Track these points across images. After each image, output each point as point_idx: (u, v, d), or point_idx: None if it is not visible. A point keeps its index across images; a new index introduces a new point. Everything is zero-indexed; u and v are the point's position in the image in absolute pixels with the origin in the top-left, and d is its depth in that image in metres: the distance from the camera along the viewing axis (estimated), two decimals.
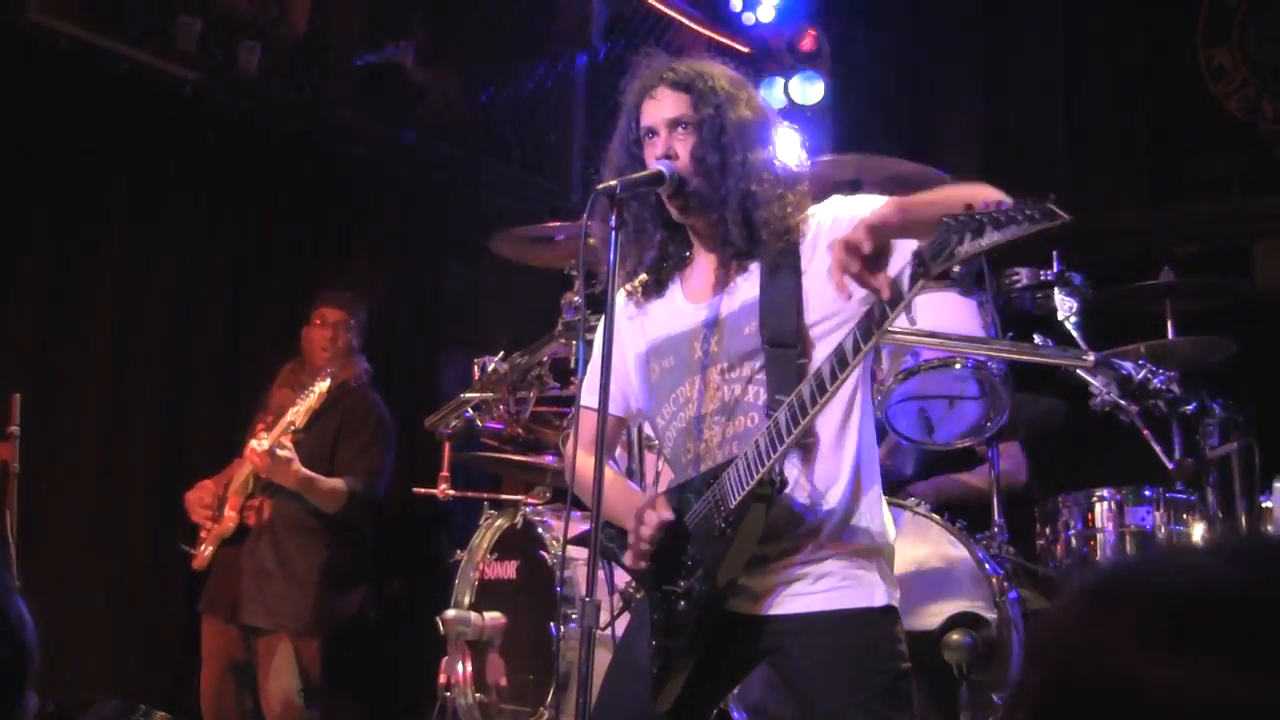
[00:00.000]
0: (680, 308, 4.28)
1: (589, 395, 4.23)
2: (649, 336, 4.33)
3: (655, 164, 4.15)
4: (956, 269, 6.20)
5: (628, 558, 4.11)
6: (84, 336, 8.21)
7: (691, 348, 4.20)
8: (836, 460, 4.07)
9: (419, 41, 10.20)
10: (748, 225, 4.11)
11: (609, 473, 4.23)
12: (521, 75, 10.66)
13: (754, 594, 4.06)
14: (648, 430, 5.75)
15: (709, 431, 4.12)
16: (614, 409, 4.32)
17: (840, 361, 3.73)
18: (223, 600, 7.57)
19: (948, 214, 3.44)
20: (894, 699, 4.01)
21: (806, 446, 4.03)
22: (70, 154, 8.18)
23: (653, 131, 4.20)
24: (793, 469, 4.00)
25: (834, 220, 4.05)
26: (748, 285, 4.14)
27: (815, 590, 4.02)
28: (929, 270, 3.51)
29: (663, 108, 4.20)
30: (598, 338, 4.33)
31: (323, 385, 7.46)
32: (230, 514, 7.56)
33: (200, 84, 8.73)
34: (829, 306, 4.00)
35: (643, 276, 4.34)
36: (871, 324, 3.66)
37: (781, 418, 3.84)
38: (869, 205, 3.90)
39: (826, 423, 4.05)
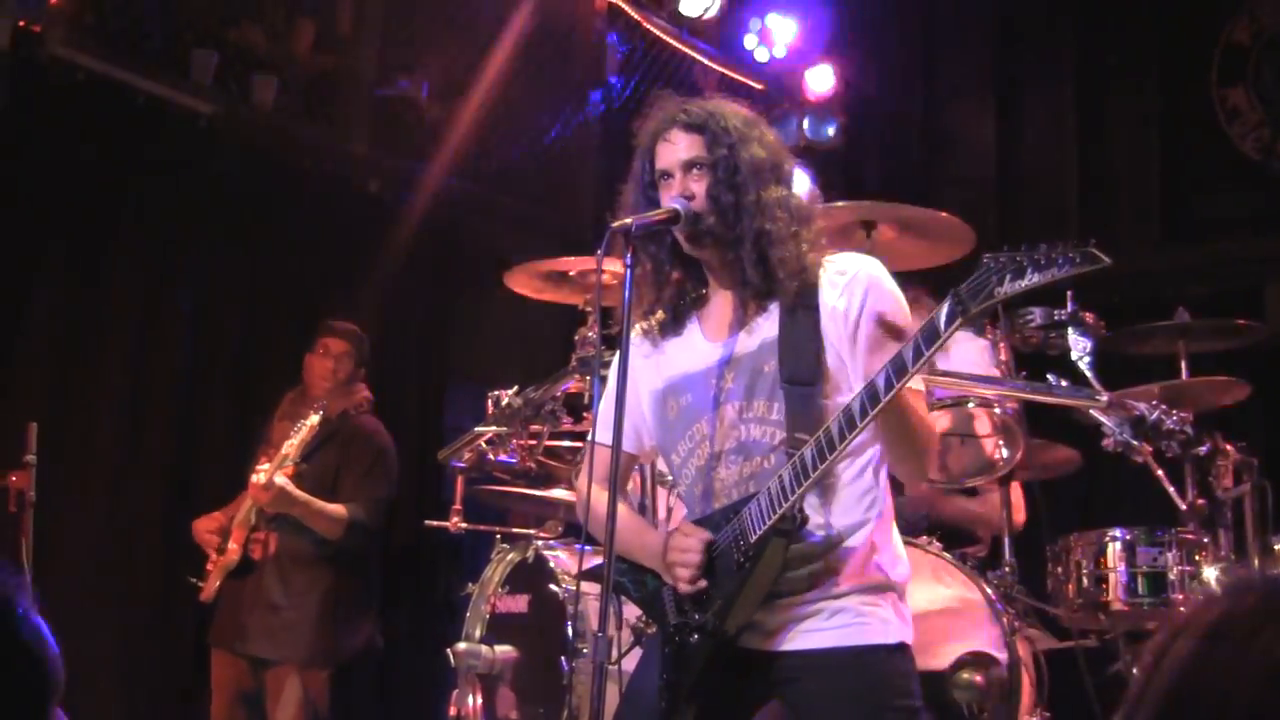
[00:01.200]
0: (698, 346, 4.28)
1: (602, 431, 4.23)
2: (665, 375, 4.33)
3: (670, 202, 4.16)
4: None
5: (680, 584, 4.07)
6: (99, 367, 8.23)
7: (708, 385, 4.20)
8: (854, 497, 4.09)
9: (433, 77, 10.23)
10: (763, 263, 4.11)
11: (621, 508, 4.25)
12: (536, 111, 10.68)
13: (767, 630, 4.06)
14: (660, 466, 5.75)
15: (725, 470, 4.12)
16: (627, 445, 4.32)
17: (871, 399, 3.71)
18: (230, 632, 7.57)
19: (989, 254, 3.47)
20: None
21: (826, 484, 4.04)
22: (86, 185, 8.20)
23: (668, 174, 4.21)
24: (810, 505, 3.99)
25: (867, 288, 4.07)
26: (767, 324, 4.15)
27: (829, 626, 4.02)
28: (968, 310, 3.52)
29: (677, 150, 4.21)
30: (611, 374, 4.35)
31: (314, 419, 7.45)
32: (233, 547, 7.56)
33: (215, 117, 8.76)
34: (849, 347, 4.03)
35: (659, 315, 4.35)
36: (905, 363, 3.66)
37: (807, 454, 3.84)
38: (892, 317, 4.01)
39: (848, 480, 4.09)
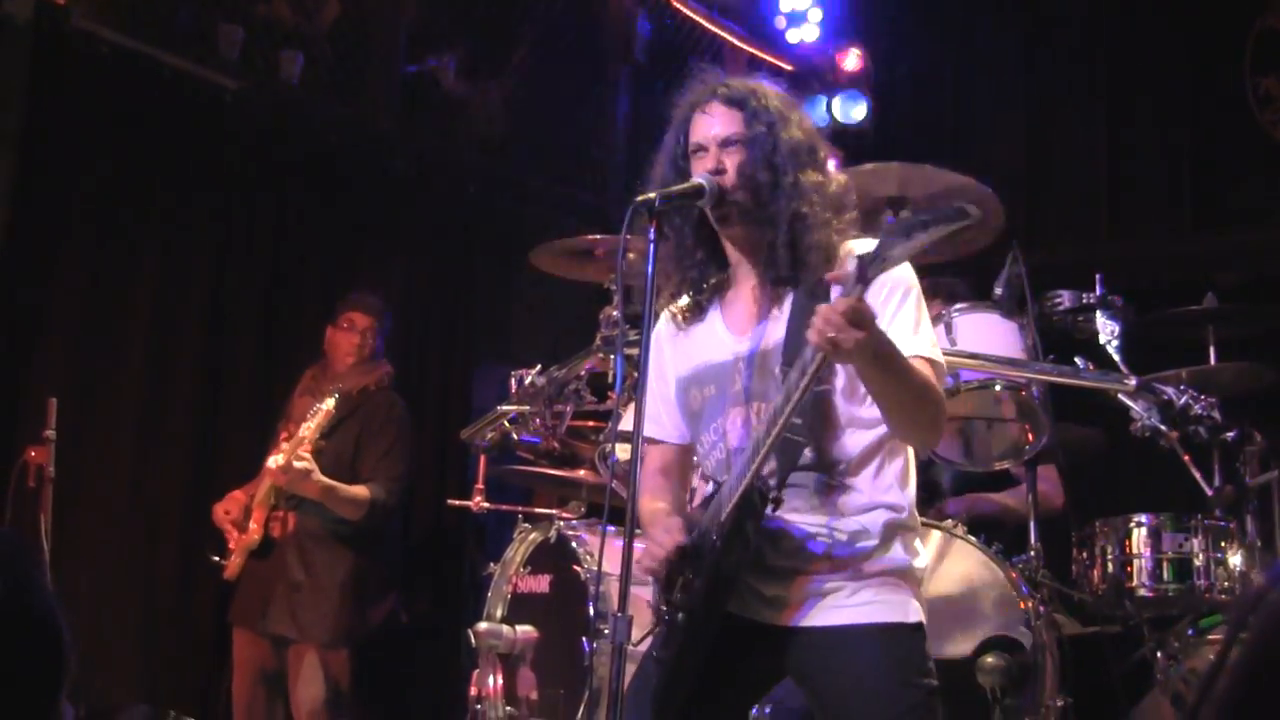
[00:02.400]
0: (721, 337, 4.27)
1: (652, 426, 4.33)
2: (691, 363, 4.32)
3: (696, 177, 4.12)
4: (998, 291, 6.18)
5: (642, 571, 4.09)
6: (120, 343, 8.22)
7: (732, 380, 4.19)
8: (874, 487, 4.09)
9: (461, 55, 10.19)
10: (793, 247, 4.09)
11: (656, 506, 4.30)
12: (564, 89, 10.65)
13: (787, 605, 4.06)
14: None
15: (739, 468, 4.08)
16: (670, 437, 4.42)
17: (800, 370, 3.75)
18: (252, 611, 7.57)
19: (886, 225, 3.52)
20: (925, 713, 4.03)
21: (843, 473, 4.05)
22: (109, 160, 8.19)
23: (702, 147, 4.19)
24: (831, 496, 4.03)
25: (886, 283, 4.01)
26: (779, 318, 4.14)
27: (851, 604, 4.03)
28: (865, 275, 3.57)
29: (714, 123, 4.19)
30: (650, 370, 4.33)
31: (329, 404, 7.44)
32: (254, 526, 7.57)
33: (241, 93, 8.75)
34: None
35: (685, 300, 4.33)
36: (810, 358, 3.71)
37: (764, 427, 3.87)
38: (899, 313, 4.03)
39: (863, 451, 4.08)
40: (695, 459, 4.46)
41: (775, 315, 4.15)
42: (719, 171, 4.12)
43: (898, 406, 3.93)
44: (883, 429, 4.07)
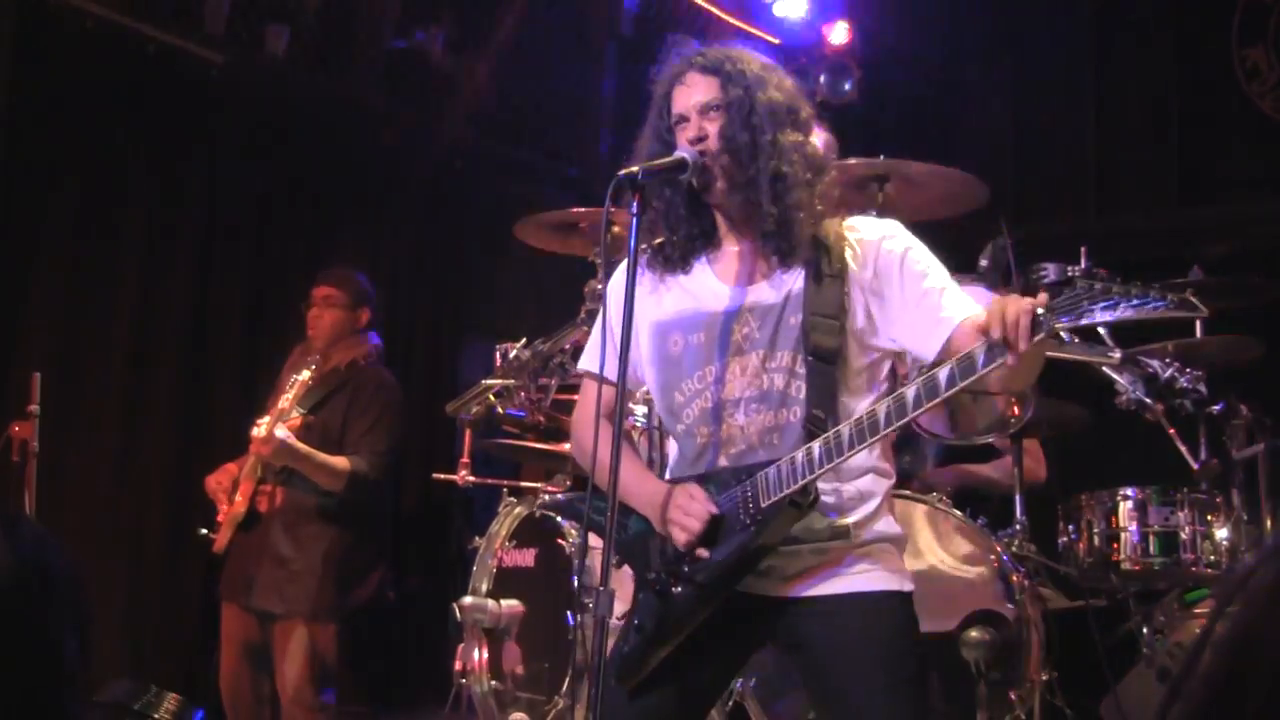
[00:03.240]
0: (715, 288, 4.24)
1: (591, 360, 4.35)
2: (672, 309, 4.28)
3: (679, 151, 4.12)
4: (983, 263, 6.18)
5: (679, 543, 4.04)
6: (105, 317, 8.22)
7: (730, 329, 4.15)
8: (869, 461, 4.09)
9: (448, 29, 10.17)
10: (777, 204, 4.07)
11: (634, 456, 4.35)
12: (550, 63, 10.63)
13: (784, 576, 4.04)
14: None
15: (744, 417, 4.08)
16: (615, 376, 4.30)
17: (899, 410, 3.76)
18: (239, 586, 7.53)
19: (1083, 279, 3.52)
20: (919, 685, 4.06)
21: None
22: (95, 135, 8.18)
23: (683, 118, 4.19)
24: (837, 468, 3.99)
25: (904, 262, 4.06)
26: (792, 280, 4.10)
27: (851, 572, 4.03)
28: (1053, 331, 3.51)
29: (693, 92, 4.19)
30: (609, 309, 4.38)
31: (306, 374, 7.41)
32: (240, 499, 7.50)
33: (227, 67, 8.73)
34: (871, 330, 4.05)
35: (665, 251, 4.32)
36: (967, 367, 3.66)
37: (845, 433, 3.84)
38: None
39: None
40: (661, 410, 4.39)
41: (778, 276, 4.13)
42: (701, 138, 4.12)
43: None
44: (874, 395, 4.07)
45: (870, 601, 4.01)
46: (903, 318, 4.02)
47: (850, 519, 4.02)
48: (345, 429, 7.57)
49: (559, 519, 6.56)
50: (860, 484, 4.07)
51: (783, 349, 4.05)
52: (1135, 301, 3.37)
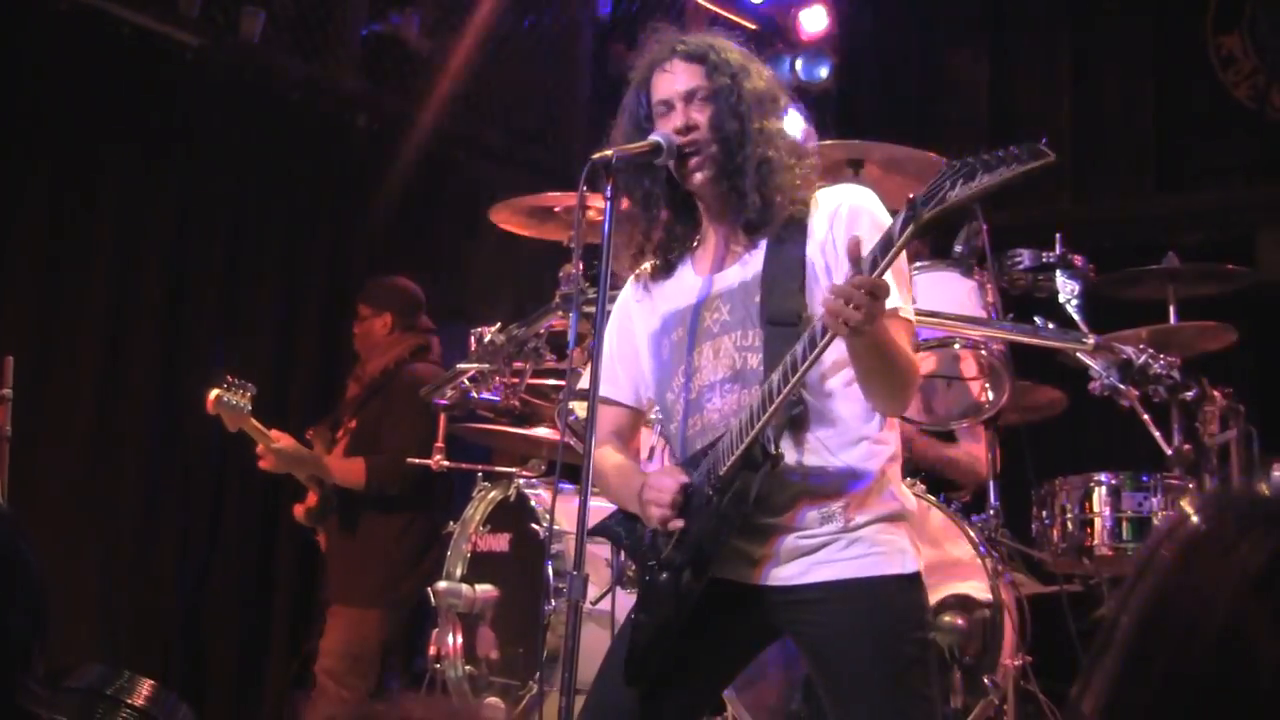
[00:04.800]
0: (689, 282, 4.26)
1: (605, 387, 4.29)
2: (660, 314, 4.31)
3: (654, 135, 4.12)
4: (958, 249, 6.18)
5: (652, 522, 4.04)
6: (79, 301, 8.18)
7: (701, 317, 4.17)
8: (854, 427, 4.03)
9: (423, 12, 10.16)
10: (761, 191, 4.08)
11: (616, 457, 4.30)
12: (526, 47, 10.62)
13: (777, 565, 4.01)
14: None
15: (721, 399, 4.08)
16: (626, 399, 4.39)
17: (808, 342, 3.74)
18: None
19: (945, 162, 3.49)
20: (922, 670, 4.00)
21: (821, 414, 4.01)
22: (69, 118, 8.14)
23: (668, 104, 4.19)
24: (817, 442, 3.99)
25: (853, 214, 4.05)
26: (756, 257, 4.12)
27: (844, 557, 3.97)
28: (919, 216, 3.52)
29: (676, 80, 4.19)
30: (609, 330, 4.39)
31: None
32: (310, 499, 7.91)
33: (202, 50, 8.69)
34: (838, 275, 3.96)
35: (650, 262, 4.34)
36: (821, 331, 3.68)
37: (774, 379, 3.82)
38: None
39: (846, 394, 4.03)
40: (655, 414, 4.42)
41: (746, 257, 4.15)
42: (691, 127, 4.12)
43: (879, 380, 3.90)
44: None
45: (863, 587, 3.96)
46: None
47: (838, 502, 3.98)
48: (380, 431, 7.67)
49: (533, 503, 6.55)
50: (851, 457, 4.01)
51: (750, 326, 4.05)
52: (988, 163, 3.41)
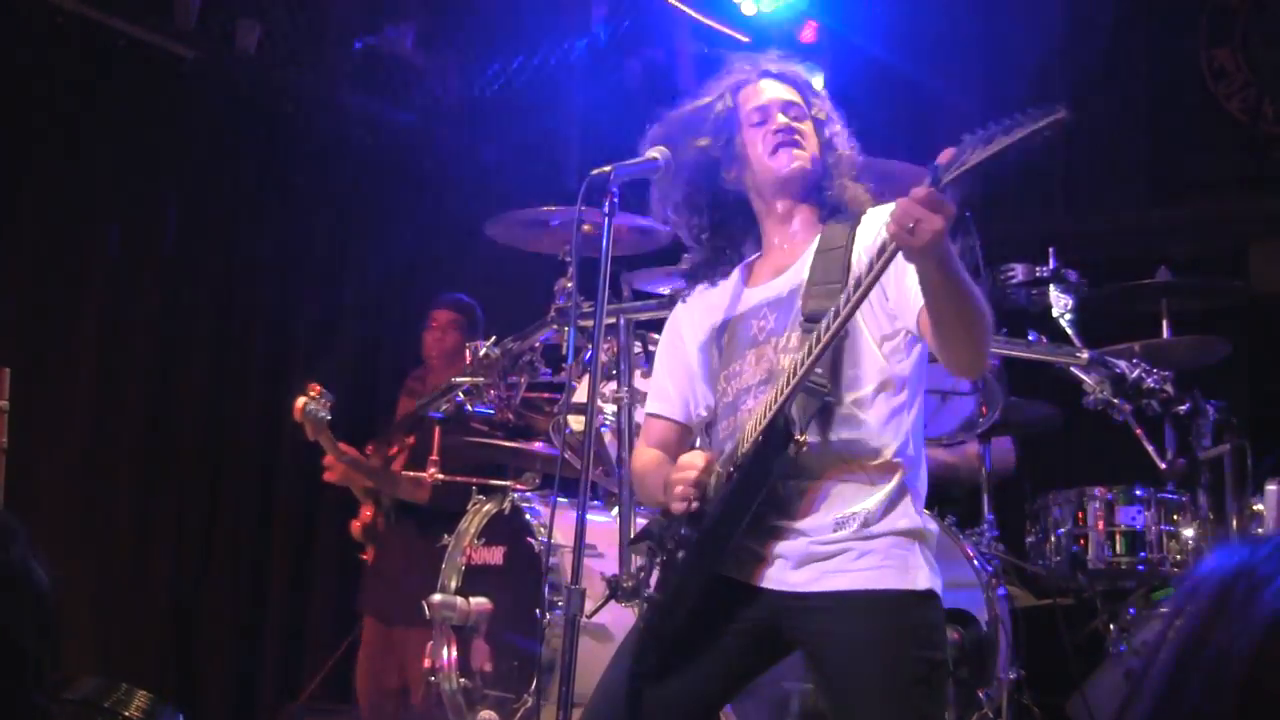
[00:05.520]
0: (739, 294, 4.32)
1: (654, 402, 4.42)
2: (708, 325, 4.36)
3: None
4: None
5: (674, 503, 4.02)
6: (75, 312, 8.19)
7: (749, 325, 4.21)
8: (878, 435, 4.01)
9: (418, 24, 10.18)
10: (833, 195, 4.25)
11: (657, 457, 4.34)
12: (520, 60, 10.63)
13: (788, 568, 4.00)
14: None
15: (752, 402, 4.09)
16: (675, 414, 4.42)
17: (855, 285, 3.72)
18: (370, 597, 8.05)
19: (965, 134, 3.51)
20: (928, 689, 3.94)
21: (848, 416, 4.00)
22: (64, 128, 8.15)
23: (764, 112, 4.29)
24: (841, 446, 3.98)
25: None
26: (804, 267, 4.15)
27: (856, 568, 3.95)
28: (940, 180, 3.51)
29: (775, 92, 4.34)
30: (660, 347, 4.49)
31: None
32: (365, 513, 8.00)
33: (198, 61, 8.70)
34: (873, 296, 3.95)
35: (701, 286, 4.42)
36: (884, 248, 3.64)
37: (797, 358, 3.84)
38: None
39: (876, 403, 4.02)
40: (713, 425, 4.43)
41: (794, 269, 4.19)
42: (791, 129, 4.25)
43: (955, 318, 3.78)
44: (894, 379, 4.04)
45: (873, 601, 3.93)
46: (896, 279, 3.95)
47: (855, 511, 3.96)
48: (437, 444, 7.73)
49: (528, 516, 6.56)
50: (874, 467, 3.99)
51: (791, 330, 4.07)
52: (1006, 126, 3.42)
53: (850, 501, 3.98)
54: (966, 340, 3.86)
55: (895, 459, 4.02)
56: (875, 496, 3.98)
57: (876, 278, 3.70)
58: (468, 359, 6.88)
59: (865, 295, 3.73)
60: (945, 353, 3.91)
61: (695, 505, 3.99)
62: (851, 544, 3.96)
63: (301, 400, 7.43)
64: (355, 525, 7.96)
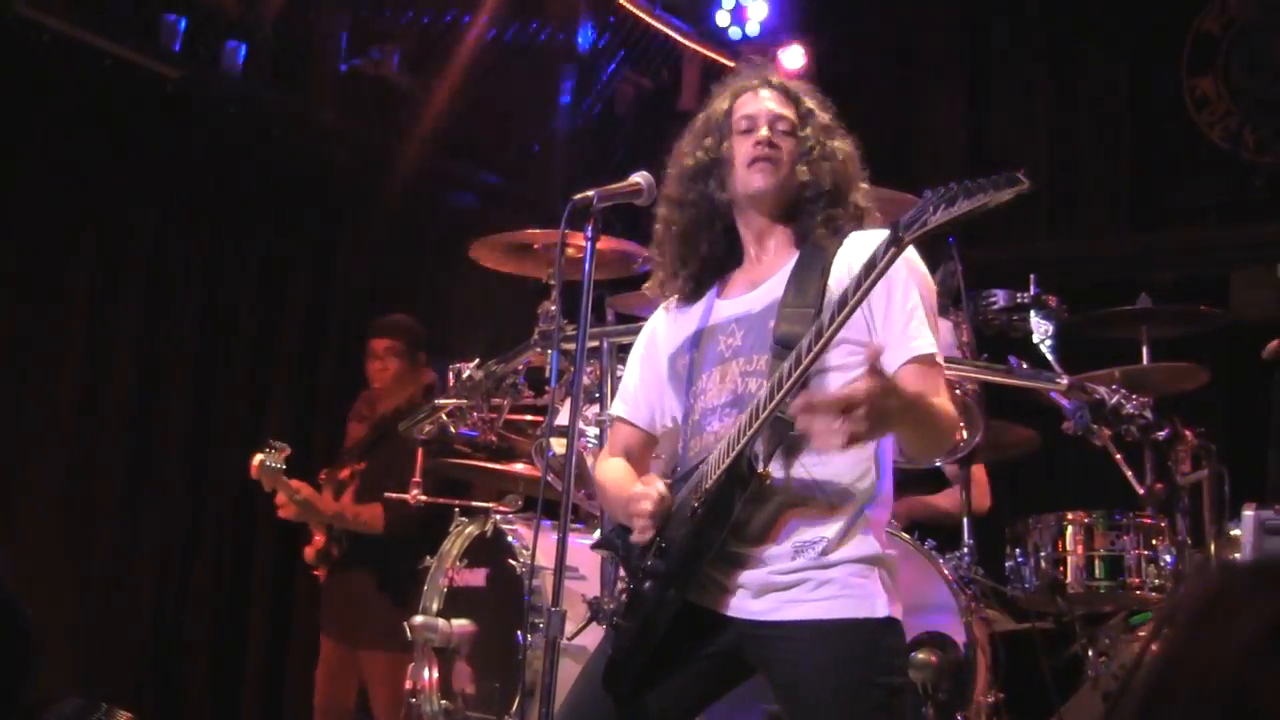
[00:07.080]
0: (712, 308, 4.29)
1: (622, 406, 4.41)
2: (680, 337, 4.34)
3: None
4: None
5: (634, 533, 4.05)
6: (57, 329, 8.20)
7: (716, 340, 4.18)
8: (846, 466, 3.98)
9: (403, 48, 10.20)
10: (827, 222, 4.18)
11: (622, 472, 4.33)
12: (506, 83, 10.65)
13: (749, 597, 4.00)
14: None
15: (718, 424, 4.07)
16: (640, 421, 4.42)
17: (816, 336, 3.70)
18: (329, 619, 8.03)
19: (928, 189, 3.52)
20: (888, 714, 3.93)
21: (821, 455, 3.95)
22: (49, 147, 8.16)
23: (751, 120, 4.28)
24: (804, 473, 3.96)
25: (904, 265, 3.96)
26: (778, 285, 4.12)
27: (814, 598, 3.93)
28: (902, 241, 3.53)
29: (766, 102, 4.31)
30: (634, 350, 4.47)
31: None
32: (317, 538, 7.94)
33: (183, 82, 8.71)
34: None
35: (681, 289, 4.39)
36: (846, 297, 3.64)
37: (762, 394, 3.82)
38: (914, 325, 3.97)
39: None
40: (674, 439, 4.43)
41: (768, 286, 4.16)
42: (772, 144, 4.21)
43: (920, 446, 3.97)
44: None
45: (831, 629, 3.92)
46: (880, 318, 3.96)
47: (815, 539, 3.94)
48: (389, 474, 7.71)
49: (510, 538, 6.56)
50: (836, 495, 3.97)
51: (758, 352, 4.05)
52: (969, 189, 3.45)
53: (810, 528, 3.97)
54: (921, 448, 4.13)
55: (859, 486, 4.01)
56: (835, 525, 3.97)
57: (799, 378, 3.74)
58: (450, 381, 6.90)
59: (833, 338, 3.73)
60: (910, 455, 4.00)
61: (653, 535, 4.01)
62: (810, 573, 3.95)
63: (258, 458, 7.41)
64: (309, 551, 7.93)
